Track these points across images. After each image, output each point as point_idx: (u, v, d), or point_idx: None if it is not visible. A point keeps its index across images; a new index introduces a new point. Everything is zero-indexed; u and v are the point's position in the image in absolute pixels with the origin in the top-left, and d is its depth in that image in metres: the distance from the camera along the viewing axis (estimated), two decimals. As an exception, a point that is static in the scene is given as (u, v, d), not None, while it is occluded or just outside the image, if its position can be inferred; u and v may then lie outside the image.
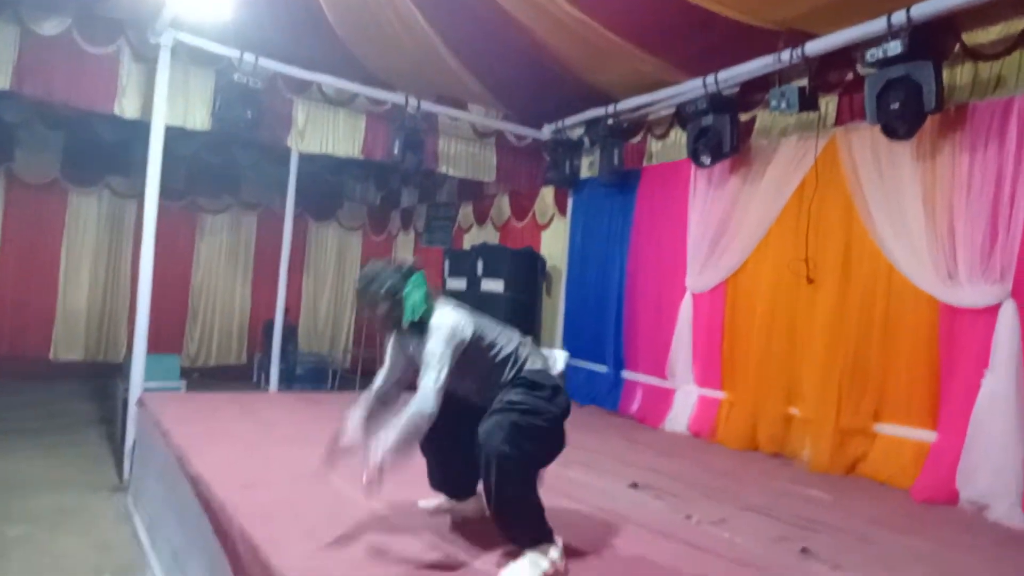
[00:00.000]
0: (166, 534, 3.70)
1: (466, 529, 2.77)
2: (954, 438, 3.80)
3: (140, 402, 5.02)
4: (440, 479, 2.93)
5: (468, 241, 8.69)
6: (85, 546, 3.92)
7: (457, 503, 2.95)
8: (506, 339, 2.69)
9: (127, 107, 5.40)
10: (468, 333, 2.60)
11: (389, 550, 2.51)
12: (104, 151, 8.19)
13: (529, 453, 2.43)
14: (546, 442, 2.55)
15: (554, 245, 7.50)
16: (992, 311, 3.74)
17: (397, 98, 6.34)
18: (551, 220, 7.57)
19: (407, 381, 2.80)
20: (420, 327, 2.62)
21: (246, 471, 3.36)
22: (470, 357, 2.60)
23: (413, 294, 2.64)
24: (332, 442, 2.66)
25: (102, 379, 8.04)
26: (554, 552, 2.42)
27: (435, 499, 3.00)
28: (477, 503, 2.87)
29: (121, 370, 6.69)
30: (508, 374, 2.63)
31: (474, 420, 2.50)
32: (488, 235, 8.43)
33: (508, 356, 2.65)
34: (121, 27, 5.32)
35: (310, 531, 2.63)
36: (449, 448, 2.78)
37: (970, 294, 3.83)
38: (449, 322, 2.58)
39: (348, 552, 2.47)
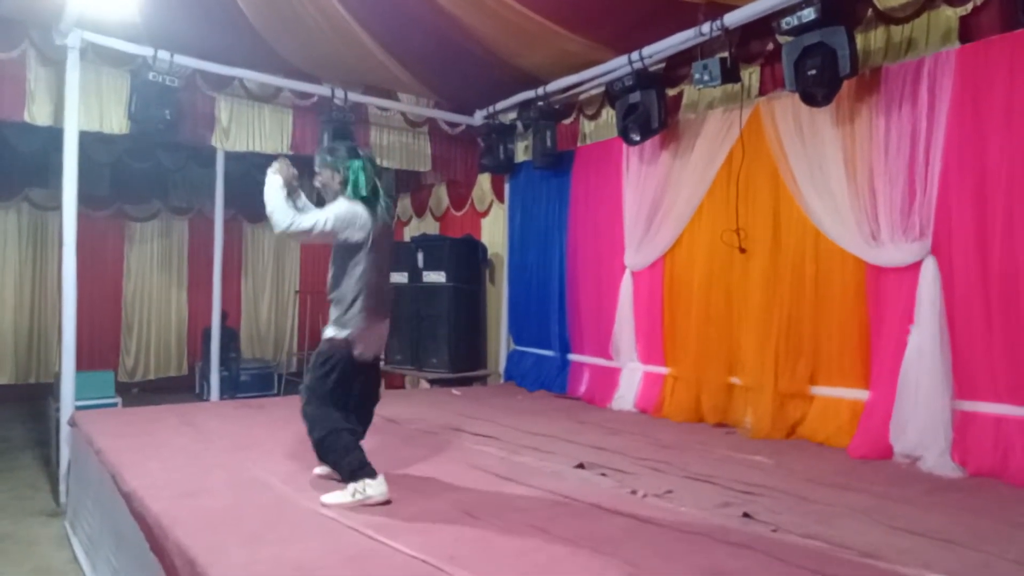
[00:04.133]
0: (105, 556, 3.57)
1: (408, 527, 2.73)
2: (885, 394, 3.91)
3: (72, 421, 4.83)
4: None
5: (408, 233, 8.59)
6: (22, 574, 3.78)
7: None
8: (364, 283, 3.12)
9: (37, 114, 5.17)
10: (358, 237, 3.08)
11: (331, 553, 2.46)
12: (20, 162, 7.83)
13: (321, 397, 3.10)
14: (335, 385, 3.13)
15: (494, 232, 7.47)
16: (914, 268, 3.85)
17: (323, 90, 6.21)
18: (490, 207, 7.53)
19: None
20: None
21: (182, 482, 3.26)
22: (340, 255, 3.12)
23: (360, 176, 3.13)
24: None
25: (35, 401, 7.74)
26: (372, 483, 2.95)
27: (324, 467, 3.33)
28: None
29: (53, 390, 6.44)
30: (346, 305, 3.11)
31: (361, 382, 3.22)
32: (428, 226, 8.35)
33: (357, 292, 3.11)
34: (24, 29, 5.08)
35: (250, 538, 2.56)
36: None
37: (893, 253, 3.94)
38: (352, 210, 3.08)
39: (289, 557, 2.41)
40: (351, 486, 2.95)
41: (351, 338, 3.12)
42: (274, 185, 3.10)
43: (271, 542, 2.53)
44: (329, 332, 3.16)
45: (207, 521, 2.72)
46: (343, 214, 3.06)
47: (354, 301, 3.11)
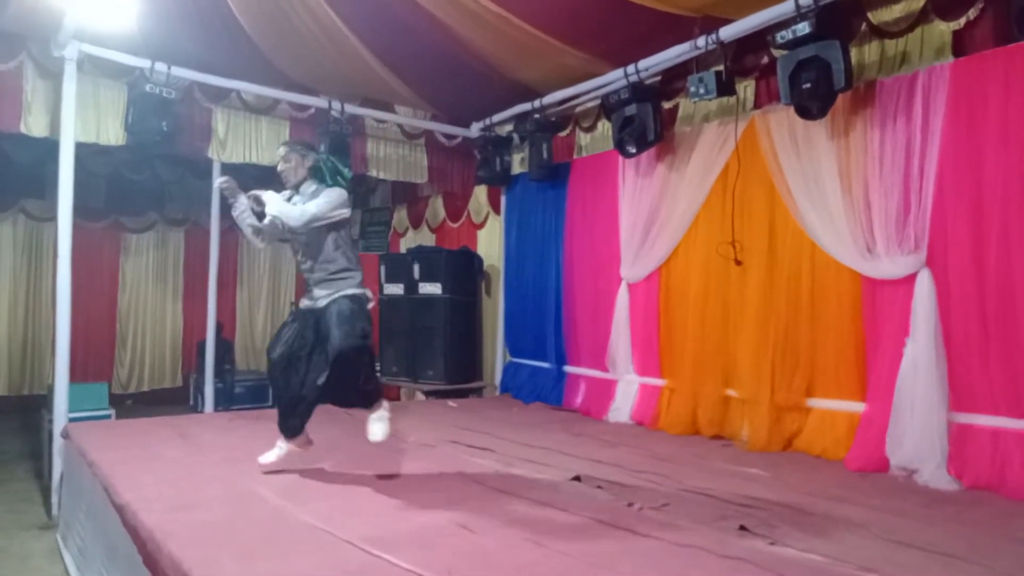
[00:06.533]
0: (97, 570, 3.53)
1: (405, 541, 2.71)
2: (882, 407, 3.91)
3: (65, 433, 4.79)
4: (293, 424, 3.69)
5: (404, 245, 8.60)
6: (13, 588, 3.75)
7: (291, 444, 3.71)
8: (353, 248, 3.68)
9: (34, 125, 5.18)
10: (346, 213, 3.59)
11: (327, 567, 2.43)
12: (15, 173, 7.85)
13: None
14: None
15: (490, 244, 7.48)
16: (909, 281, 3.86)
17: (320, 103, 6.22)
18: (486, 219, 7.54)
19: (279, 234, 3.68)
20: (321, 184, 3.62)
21: (176, 495, 3.23)
22: (328, 231, 3.54)
23: (335, 164, 3.68)
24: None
25: (28, 413, 7.68)
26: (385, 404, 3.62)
27: (272, 453, 3.69)
28: (303, 438, 3.74)
29: (46, 402, 6.40)
30: (344, 273, 3.56)
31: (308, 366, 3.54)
32: (424, 238, 8.35)
33: (355, 255, 3.66)
34: (23, 41, 5.10)
35: (244, 551, 2.54)
36: (296, 394, 3.61)
37: (888, 266, 3.95)
38: (343, 192, 3.57)
39: (284, 571, 2.39)
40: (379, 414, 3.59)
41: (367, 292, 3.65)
42: (274, 197, 3.57)
43: (266, 556, 2.51)
44: (354, 290, 3.57)
45: (201, 535, 2.69)
46: (342, 195, 3.56)
47: (357, 263, 3.65)
